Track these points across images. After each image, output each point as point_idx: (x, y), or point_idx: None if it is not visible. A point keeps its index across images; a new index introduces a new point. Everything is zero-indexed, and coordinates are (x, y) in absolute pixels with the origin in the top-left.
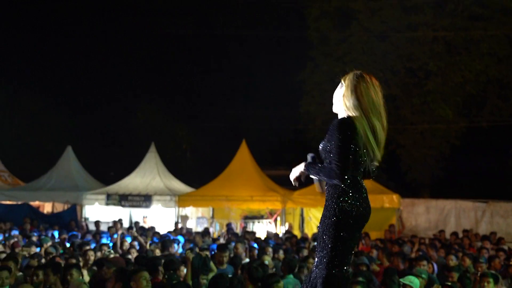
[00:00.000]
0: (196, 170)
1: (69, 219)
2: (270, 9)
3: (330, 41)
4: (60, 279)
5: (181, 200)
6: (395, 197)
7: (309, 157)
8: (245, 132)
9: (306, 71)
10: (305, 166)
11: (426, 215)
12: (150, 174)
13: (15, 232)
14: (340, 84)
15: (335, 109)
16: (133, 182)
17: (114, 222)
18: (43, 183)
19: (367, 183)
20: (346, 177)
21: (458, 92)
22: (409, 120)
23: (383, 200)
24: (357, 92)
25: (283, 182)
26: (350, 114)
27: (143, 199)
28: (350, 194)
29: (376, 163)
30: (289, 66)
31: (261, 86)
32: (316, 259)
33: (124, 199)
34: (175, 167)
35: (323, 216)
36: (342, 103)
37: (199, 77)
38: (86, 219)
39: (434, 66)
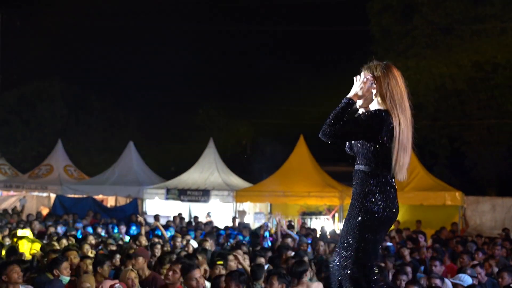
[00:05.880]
0: (256, 166)
1: (131, 213)
2: (332, 3)
3: (392, 35)
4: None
5: (239, 195)
6: (457, 194)
7: None
8: (305, 128)
9: None
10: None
11: (492, 214)
12: (208, 169)
13: (78, 225)
14: (361, 75)
15: (360, 104)
16: (192, 177)
17: (174, 217)
18: (106, 178)
19: (429, 180)
20: (329, 141)
21: None
22: (475, 115)
23: (445, 198)
24: (389, 85)
25: (343, 178)
26: (384, 108)
27: (202, 194)
28: (377, 195)
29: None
30: (350, 62)
31: (322, 81)
32: (337, 258)
33: (183, 194)
34: (235, 163)
35: (348, 215)
36: (375, 97)
37: (260, 74)
38: (144, 213)
39: (502, 59)
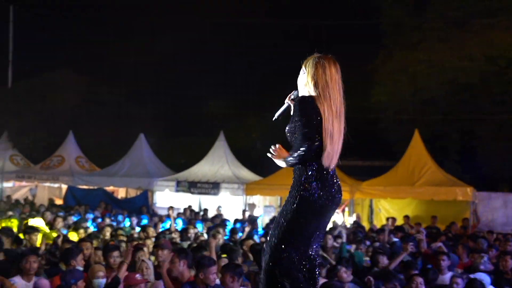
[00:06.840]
0: (265, 159)
1: (141, 205)
2: None
3: (403, 28)
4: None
5: (249, 188)
6: (469, 189)
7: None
8: None
9: (378, 59)
10: (285, 161)
11: (504, 210)
12: (218, 162)
13: (89, 215)
14: (302, 69)
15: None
16: (202, 169)
17: (184, 209)
18: (117, 169)
19: (440, 175)
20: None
21: None
22: (487, 110)
23: (456, 193)
24: (315, 78)
25: (353, 172)
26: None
27: (212, 187)
28: (313, 183)
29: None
30: (361, 55)
31: None
32: (268, 238)
33: (193, 186)
34: (245, 156)
35: (286, 201)
36: (305, 86)
37: (269, 67)
38: (153, 204)
39: None
